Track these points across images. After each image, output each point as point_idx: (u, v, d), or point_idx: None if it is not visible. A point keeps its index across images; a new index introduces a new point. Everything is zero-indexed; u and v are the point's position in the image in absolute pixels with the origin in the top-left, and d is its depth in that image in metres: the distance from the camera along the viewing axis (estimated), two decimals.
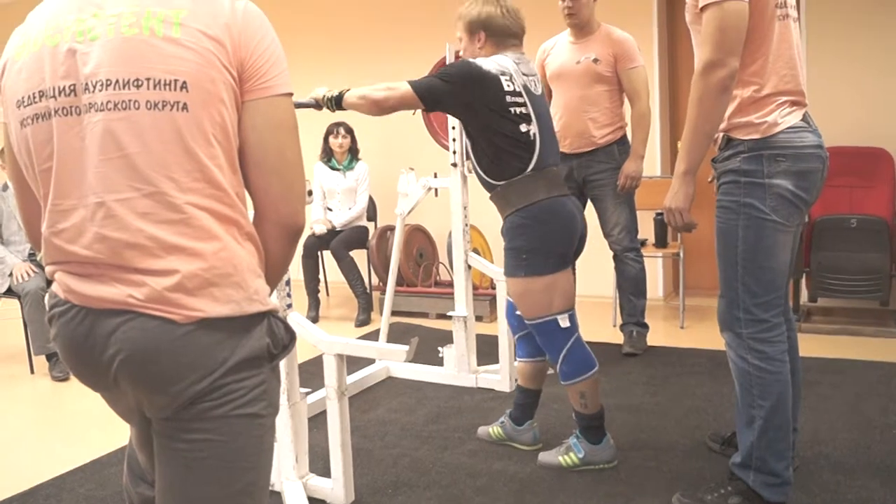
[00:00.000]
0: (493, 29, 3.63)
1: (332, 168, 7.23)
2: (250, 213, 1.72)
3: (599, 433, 3.68)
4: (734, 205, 3.00)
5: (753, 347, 3.04)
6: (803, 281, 6.00)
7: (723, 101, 2.90)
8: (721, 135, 3.06)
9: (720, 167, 3.08)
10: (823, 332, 5.72)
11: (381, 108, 3.50)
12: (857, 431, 3.95)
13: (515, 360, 3.96)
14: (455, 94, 3.44)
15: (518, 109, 3.47)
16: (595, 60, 5.25)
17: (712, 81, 2.85)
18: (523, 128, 3.47)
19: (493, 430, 4.04)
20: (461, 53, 3.76)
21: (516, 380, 4.00)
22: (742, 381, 3.11)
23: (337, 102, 3.64)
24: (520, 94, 3.49)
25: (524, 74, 3.58)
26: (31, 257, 5.88)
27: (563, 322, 3.55)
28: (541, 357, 3.84)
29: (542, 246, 3.49)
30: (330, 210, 7.25)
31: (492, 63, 3.49)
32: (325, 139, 7.27)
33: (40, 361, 5.86)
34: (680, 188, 3.03)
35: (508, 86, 3.46)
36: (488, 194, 3.63)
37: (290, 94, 1.72)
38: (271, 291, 1.76)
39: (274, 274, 1.79)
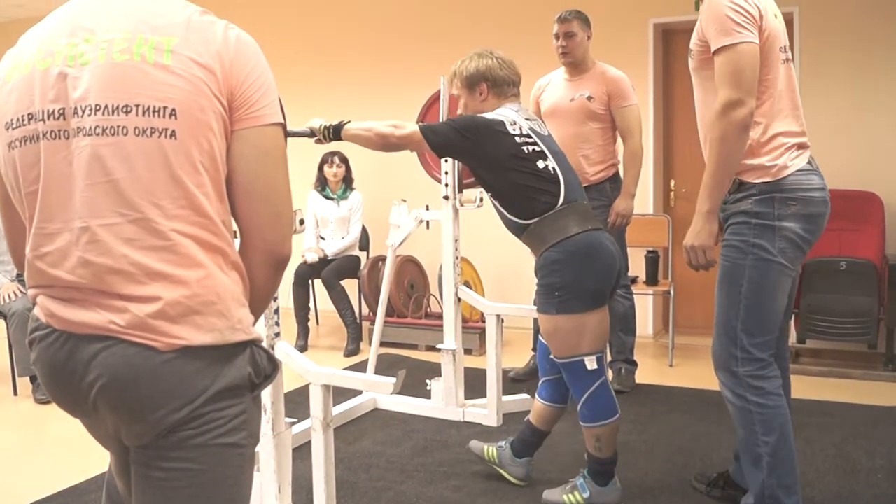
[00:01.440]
0: (494, 80, 3.69)
1: (326, 197, 7.23)
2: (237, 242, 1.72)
3: (608, 477, 3.63)
4: (744, 245, 3.05)
5: (752, 385, 3.07)
6: (792, 322, 5.99)
7: (743, 139, 2.95)
8: (732, 178, 3.10)
9: (730, 209, 3.13)
10: (811, 374, 5.71)
11: (385, 142, 3.53)
12: (843, 474, 3.94)
13: (536, 397, 3.89)
14: (471, 149, 3.50)
15: (530, 147, 3.50)
16: (589, 98, 5.28)
17: (733, 120, 2.90)
18: (540, 164, 3.48)
19: (488, 450, 3.99)
20: (461, 111, 3.78)
21: (527, 416, 3.94)
22: (743, 421, 3.12)
23: (335, 132, 3.65)
24: (529, 136, 3.53)
25: (527, 119, 3.63)
26: (19, 277, 5.85)
27: (591, 364, 3.49)
28: (561, 404, 3.81)
29: (576, 283, 3.44)
30: (323, 238, 7.24)
31: (495, 114, 3.57)
32: (320, 168, 7.26)
33: (24, 383, 5.82)
34: (704, 226, 3.05)
35: (514, 129, 3.51)
36: (519, 238, 3.62)
37: (280, 124, 1.72)
38: (255, 321, 1.75)
39: (259, 303, 1.78)
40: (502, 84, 3.71)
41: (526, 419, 3.94)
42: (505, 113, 3.60)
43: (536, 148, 3.52)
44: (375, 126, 3.53)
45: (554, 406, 3.81)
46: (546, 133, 3.68)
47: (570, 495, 3.65)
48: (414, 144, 3.53)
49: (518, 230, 3.58)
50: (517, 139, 3.50)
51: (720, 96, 2.93)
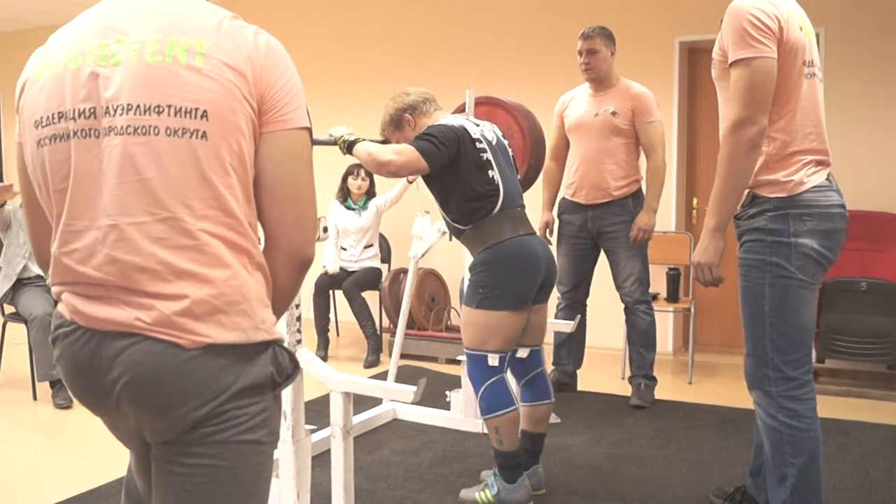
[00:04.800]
0: (412, 106, 3.86)
1: (348, 208, 7.24)
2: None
3: (515, 473, 3.73)
4: (760, 263, 3.02)
5: (783, 406, 3.03)
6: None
7: (753, 157, 2.93)
8: (746, 191, 3.07)
9: (744, 225, 3.09)
10: (830, 394, 5.68)
11: (382, 169, 3.59)
12: (860, 493, 3.94)
13: (519, 404, 3.93)
14: (445, 157, 3.56)
15: (485, 156, 3.65)
16: (613, 113, 5.31)
17: (743, 139, 2.88)
18: (489, 173, 3.64)
19: (480, 495, 3.83)
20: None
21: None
22: (773, 440, 3.09)
23: (349, 148, 3.72)
24: (481, 141, 3.67)
25: (476, 125, 3.77)
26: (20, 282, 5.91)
27: (493, 361, 3.66)
28: (544, 400, 3.89)
29: (500, 283, 3.62)
30: (344, 249, 7.25)
31: (450, 120, 3.71)
32: (344, 179, 7.28)
33: (44, 388, 5.83)
34: (710, 243, 3.05)
35: (474, 133, 3.67)
36: (457, 239, 3.82)
37: (307, 128, 1.74)
38: (277, 321, 1.77)
39: (281, 304, 1.80)
40: (419, 105, 3.86)
41: (520, 430, 3.94)
42: (457, 118, 3.76)
43: (486, 156, 3.66)
44: (377, 153, 3.56)
45: (539, 404, 3.88)
46: (493, 140, 3.78)
47: (481, 493, 3.79)
48: (414, 168, 3.56)
49: (456, 232, 3.80)
50: (476, 145, 3.65)
51: (731, 113, 2.91)
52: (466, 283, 3.79)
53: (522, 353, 3.85)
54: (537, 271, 3.68)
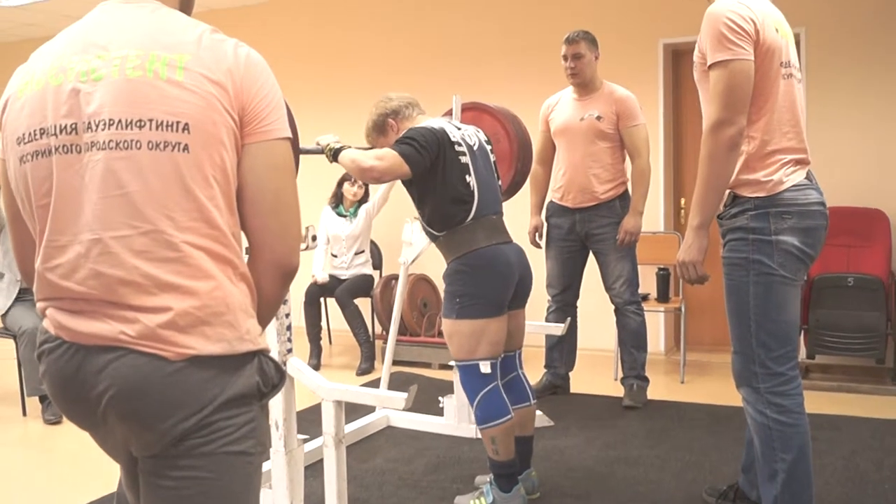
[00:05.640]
0: (394, 111, 3.87)
1: (339, 214, 7.22)
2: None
3: (511, 482, 3.73)
4: (743, 261, 3.06)
5: (772, 401, 3.07)
6: (801, 338, 6.01)
7: (732, 157, 2.97)
8: (727, 191, 3.11)
9: (727, 224, 3.14)
10: (820, 389, 5.71)
11: (366, 175, 3.61)
12: (852, 486, 3.97)
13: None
14: (427, 160, 3.57)
15: (463, 160, 3.66)
16: (598, 118, 5.34)
17: (722, 139, 2.93)
18: (467, 178, 3.65)
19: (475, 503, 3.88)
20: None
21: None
22: (762, 436, 3.12)
23: (335, 156, 3.74)
24: (460, 144, 3.68)
25: (457, 128, 3.78)
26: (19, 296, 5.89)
27: (485, 368, 3.65)
28: (526, 402, 3.92)
29: (476, 291, 3.63)
30: (335, 256, 7.24)
31: (432, 122, 3.71)
32: (340, 184, 7.24)
33: (33, 403, 5.80)
34: (694, 241, 3.08)
35: (454, 136, 3.67)
36: (433, 243, 3.82)
37: (289, 139, 1.76)
38: (262, 331, 1.78)
39: (266, 314, 1.81)
40: (402, 109, 3.87)
41: None
42: (439, 121, 3.77)
43: (465, 160, 3.67)
44: (361, 160, 3.57)
45: (520, 407, 3.88)
46: (475, 144, 3.79)
47: (476, 500, 3.79)
48: (397, 172, 3.56)
49: (431, 237, 3.80)
50: (455, 147, 3.66)
51: (710, 114, 2.96)
52: (443, 294, 3.80)
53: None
54: (510, 278, 3.70)
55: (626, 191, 5.51)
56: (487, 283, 3.64)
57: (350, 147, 3.75)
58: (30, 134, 1.66)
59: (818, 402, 5.32)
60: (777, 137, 3.04)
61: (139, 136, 1.59)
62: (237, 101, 1.66)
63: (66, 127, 1.63)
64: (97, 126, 1.61)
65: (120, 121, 1.60)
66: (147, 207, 1.59)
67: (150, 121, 1.60)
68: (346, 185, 7.19)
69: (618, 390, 5.70)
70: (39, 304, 1.72)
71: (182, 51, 1.65)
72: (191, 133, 1.61)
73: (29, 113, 1.67)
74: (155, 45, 1.65)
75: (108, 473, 4.12)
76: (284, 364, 3.46)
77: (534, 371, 6.07)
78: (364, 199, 7.27)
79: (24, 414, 5.81)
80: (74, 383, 1.65)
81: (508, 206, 4.08)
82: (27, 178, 1.67)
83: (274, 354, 2.95)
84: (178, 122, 1.60)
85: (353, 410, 4.95)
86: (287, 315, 3.48)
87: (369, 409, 5.22)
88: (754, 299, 3.05)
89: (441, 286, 7.13)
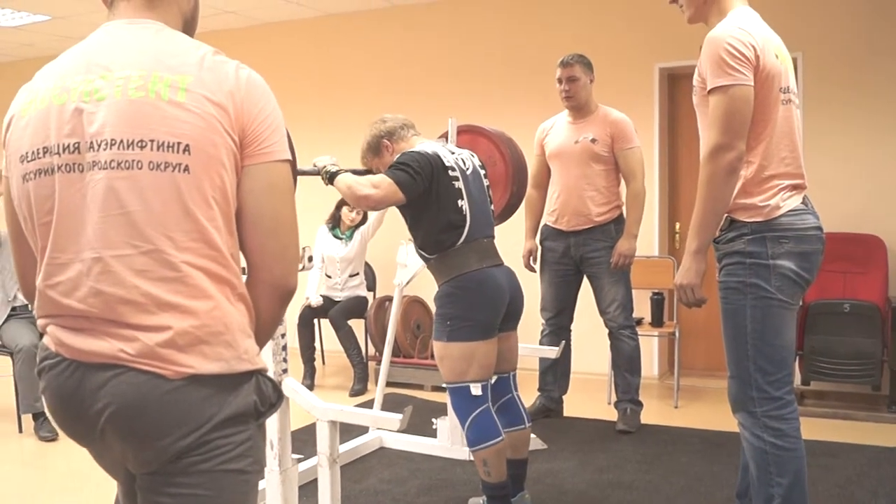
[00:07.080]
0: (389, 132, 3.90)
1: (335, 236, 7.23)
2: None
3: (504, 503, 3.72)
4: (740, 285, 3.06)
5: (769, 426, 3.06)
6: (796, 364, 6.01)
7: (731, 182, 2.98)
8: (724, 216, 3.12)
9: (723, 248, 3.14)
10: (815, 416, 5.70)
11: (361, 203, 3.67)
12: None
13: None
14: (420, 186, 3.59)
15: (456, 185, 3.68)
16: (593, 140, 5.35)
17: (721, 164, 2.94)
18: (459, 202, 3.67)
19: None
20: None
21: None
22: (758, 461, 3.11)
23: (331, 179, 3.76)
24: (454, 169, 3.70)
25: (451, 152, 3.79)
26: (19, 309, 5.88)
27: (475, 390, 3.65)
28: (520, 425, 3.90)
29: (466, 314, 3.64)
30: (329, 277, 7.23)
31: (426, 146, 3.73)
32: (338, 207, 7.23)
33: (29, 420, 5.77)
34: (692, 265, 3.09)
35: (447, 160, 3.69)
36: (425, 265, 3.85)
37: (289, 161, 1.77)
38: (260, 351, 1.79)
39: (264, 334, 1.82)
40: (397, 130, 3.90)
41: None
42: (432, 145, 3.79)
43: (458, 185, 3.69)
44: (356, 187, 3.59)
45: (515, 429, 3.88)
46: (468, 169, 3.80)
47: None
48: (392, 200, 3.59)
49: (423, 259, 3.83)
50: (449, 172, 3.68)
51: (709, 139, 2.97)
52: (434, 317, 3.80)
53: (491, 378, 3.85)
54: (501, 301, 3.71)
55: (621, 214, 5.51)
56: (477, 306, 3.65)
57: (346, 171, 3.76)
58: (33, 152, 1.68)
59: (813, 428, 5.31)
60: (775, 163, 3.05)
61: (140, 157, 1.61)
62: (238, 123, 1.68)
63: (68, 146, 1.64)
64: (99, 146, 1.62)
65: (121, 141, 1.61)
66: (147, 227, 1.61)
67: (152, 141, 1.61)
68: (345, 210, 7.18)
69: (611, 414, 5.69)
70: (40, 322, 1.73)
71: (184, 72, 1.66)
72: (191, 154, 1.62)
73: (32, 132, 1.69)
74: (158, 66, 1.66)
75: (105, 491, 4.12)
76: (280, 384, 3.46)
77: (527, 394, 6.07)
78: (361, 223, 7.27)
79: (21, 431, 5.80)
80: (74, 400, 1.66)
81: (501, 228, 4.09)
82: (30, 196, 1.69)
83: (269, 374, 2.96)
84: (178, 143, 1.62)
85: (346, 431, 4.95)
86: (283, 335, 3.49)
87: (362, 430, 5.22)
88: (752, 323, 3.05)
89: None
